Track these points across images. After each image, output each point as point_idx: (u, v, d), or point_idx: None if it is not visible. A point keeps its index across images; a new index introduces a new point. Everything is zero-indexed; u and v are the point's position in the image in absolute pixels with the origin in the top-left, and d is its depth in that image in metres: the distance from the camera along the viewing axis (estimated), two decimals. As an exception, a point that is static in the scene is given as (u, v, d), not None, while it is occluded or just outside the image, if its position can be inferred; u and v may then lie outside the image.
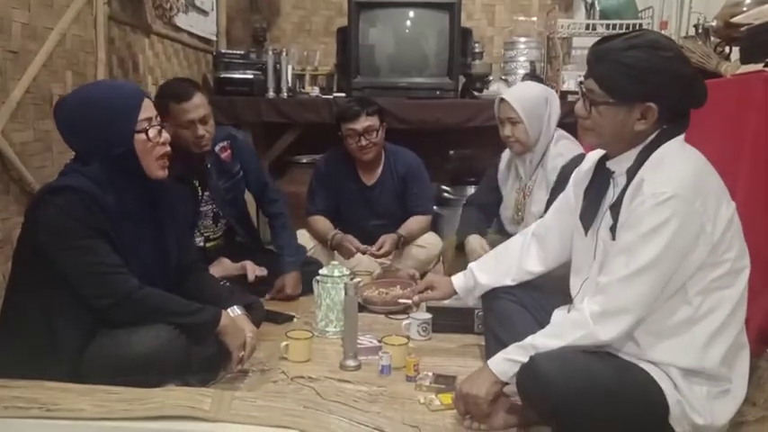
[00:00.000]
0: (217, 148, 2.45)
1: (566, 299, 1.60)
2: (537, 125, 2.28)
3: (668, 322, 1.34)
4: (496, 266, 1.82)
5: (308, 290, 2.47)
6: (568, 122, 1.58)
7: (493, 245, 2.06)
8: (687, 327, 1.34)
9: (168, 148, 1.67)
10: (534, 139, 2.29)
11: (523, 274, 1.77)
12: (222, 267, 2.43)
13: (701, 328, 1.33)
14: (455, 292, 1.89)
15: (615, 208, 1.39)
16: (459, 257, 2.44)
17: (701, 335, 1.33)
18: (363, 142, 2.73)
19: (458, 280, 1.89)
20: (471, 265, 1.89)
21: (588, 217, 1.49)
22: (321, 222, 2.88)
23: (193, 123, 2.24)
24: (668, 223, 1.27)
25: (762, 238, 1.60)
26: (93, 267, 1.51)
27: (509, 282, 1.78)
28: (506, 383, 1.46)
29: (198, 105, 2.25)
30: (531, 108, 2.27)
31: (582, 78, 1.45)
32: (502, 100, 2.31)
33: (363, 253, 2.76)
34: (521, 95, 2.30)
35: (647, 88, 1.32)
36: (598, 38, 1.51)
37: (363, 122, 2.71)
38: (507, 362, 1.44)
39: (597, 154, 1.53)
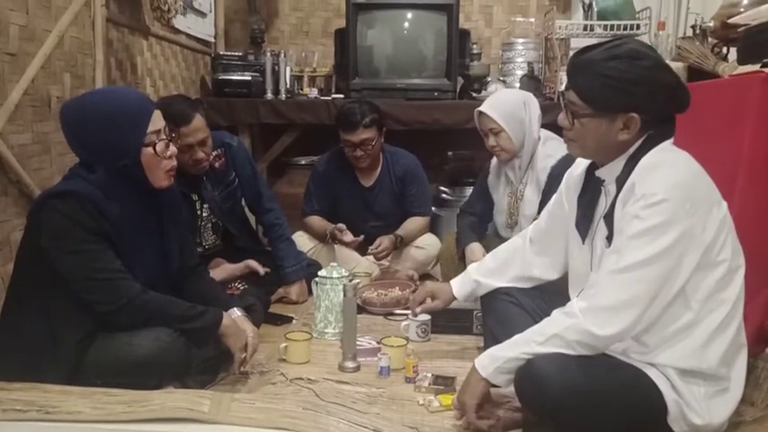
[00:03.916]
0: (210, 158, 2.42)
1: (565, 302, 1.60)
2: (519, 130, 2.28)
3: (671, 328, 1.34)
4: (496, 270, 1.81)
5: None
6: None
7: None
8: (689, 330, 1.34)
9: (175, 162, 1.66)
10: (519, 145, 2.30)
11: (529, 280, 1.75)
12: (223, 269, 2.42)
13: (700, 329, 1.33)
14: (455, 298, 1.88)
15: (609, 218, 1.39)
16: (459, 267, 2.44)
17: (701, 336, 1.33)
18: (359, 153, 2.74)
19: (458, 286, 1.87)
20: (469, 269, 1.88)
21: (584, 226, 1.49)
22: (317, 221, 2.88)
23: (192, 147, 2.20)
24: (659, 226, 1.27)
25: (759, 238, 1.60)
26: (96, 273, 1.51)
27: (510, 284, 1.77)
28: (493, 384, 1.44)
29: (197, 129, 2.19)
30: (510, 114, 2.27)
31: (564, 89, 1.45)
32: (480, 113, 2.31)
33: (355, 246, 2.77)
34: (497, 104, 2.30)
35: (628, 99, 1.32)
36: (596, 39, 1.51)
37: (360, 135, 2.71)
38: (487, 357, 1.44)
39: (587, 159, 1.52)
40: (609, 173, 1.42)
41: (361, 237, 2.77)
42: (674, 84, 1.34)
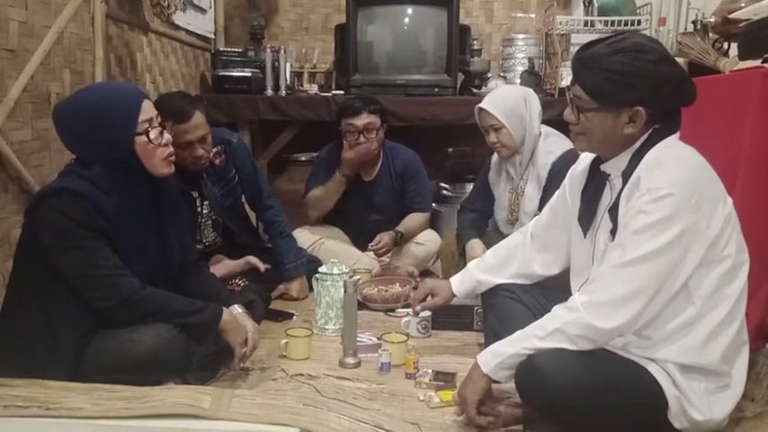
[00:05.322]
0: (210, 154, 2.41)
1: (565, 298, 1.59)
2: (520, 126, 2.28)
3: (674, 323, 1.34)
4: (497, 267, 1.81)
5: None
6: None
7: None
8: (691, 326, 1.33)
9: (171, 149, 1.66)
10: (520, 141, 2.29)
11: (529, 276, 1.76)
12: (224, 266, 2.42)
13: (702, 325, 1.33)
14: (454, 296, 1.88)
15: (613, 211, 1.39)
16: (460, 263, 2.45)
17: (703, 332, 1.33)
18: (362, 140, 2.73)
19: (457, 283, 1.87)
20: (470, 266, 1.88)
21: (586, 220, 1.49)
22: (319, 188, 2.83)
23: (192, 144, 2.20)
24: (663, 221, 1.27)
25: (760, 233, 1.60)
26: (94, 269, 1.51)
27: (511, 281, 1.77)
28: (494, 380, 1.45)
29: (197, 126, 2.19)
30: (510, 110, 2.27)
31: (569, 84, 1.45)
32: (481, 109, 2.31)
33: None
34: (497, 100, 2.30)
35: (633, 93, 1.32)
36: (597, 34, 1.50)
37: (364, 119, 2.70)
38: (488, 353, 1.44)
39: (591, 154, 1.52)
40: (614, 167, 1.42)
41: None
42: (678, 77, 1.35)
